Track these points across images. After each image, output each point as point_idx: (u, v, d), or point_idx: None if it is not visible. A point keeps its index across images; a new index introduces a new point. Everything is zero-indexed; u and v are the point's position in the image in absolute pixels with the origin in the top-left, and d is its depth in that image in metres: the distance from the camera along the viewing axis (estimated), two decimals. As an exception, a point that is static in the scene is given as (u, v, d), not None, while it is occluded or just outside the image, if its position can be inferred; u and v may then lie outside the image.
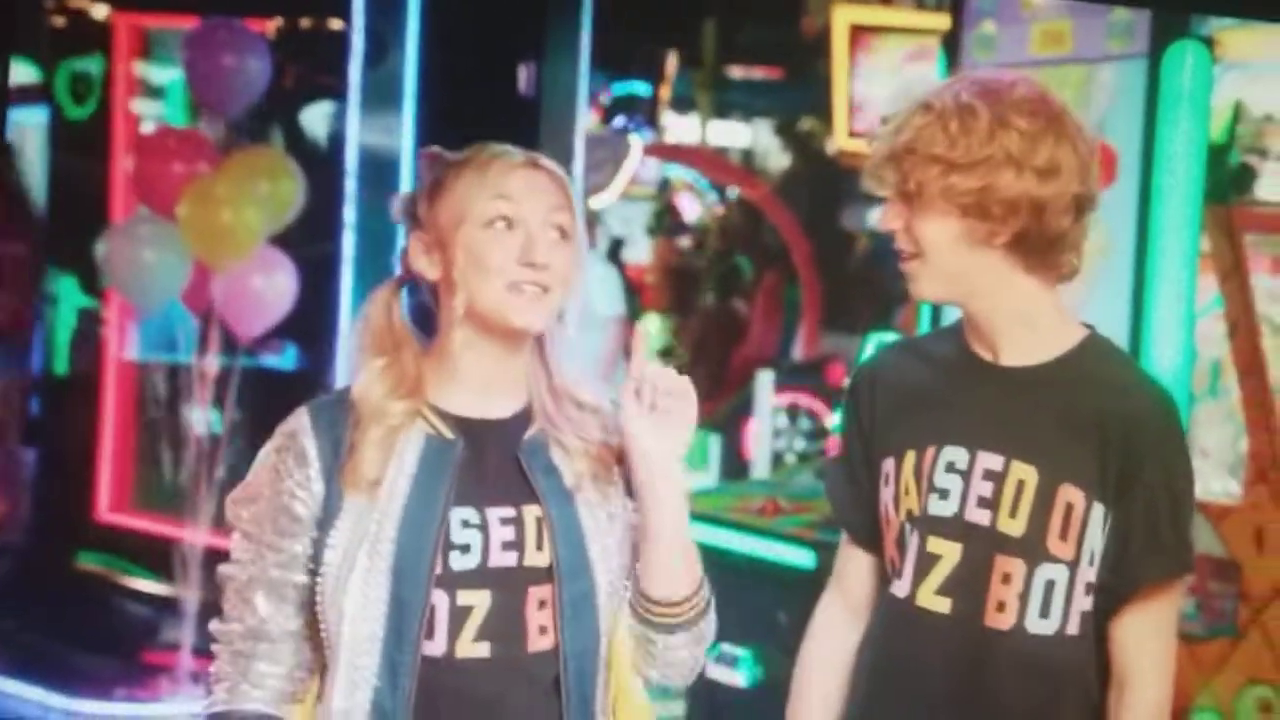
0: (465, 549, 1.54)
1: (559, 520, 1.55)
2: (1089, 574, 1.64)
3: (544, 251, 1.56)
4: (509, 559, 1.55)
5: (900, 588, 1.69)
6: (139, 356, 4.89)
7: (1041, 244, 1.62)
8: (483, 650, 1.54)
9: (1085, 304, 3.13)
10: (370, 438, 1.55)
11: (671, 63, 5.04)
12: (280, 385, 4.55)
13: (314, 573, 1.55)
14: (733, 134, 5.12)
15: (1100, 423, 1.62)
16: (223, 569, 1.60)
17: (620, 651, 1.59)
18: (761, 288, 4.62)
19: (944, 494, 1.66)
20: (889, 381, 1.75)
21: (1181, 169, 2.99)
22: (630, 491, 1.60)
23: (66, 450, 4.99)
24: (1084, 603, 1.65)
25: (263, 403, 4.29)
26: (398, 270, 1.64)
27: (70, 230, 4.90)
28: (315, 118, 4.90)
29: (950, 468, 1.66)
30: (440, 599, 1.53)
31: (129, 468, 4.96)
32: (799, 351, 4.52)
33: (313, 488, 1.55)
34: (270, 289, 4.21)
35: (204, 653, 4.17)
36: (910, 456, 1.68)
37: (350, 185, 4.36)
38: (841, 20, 4.12)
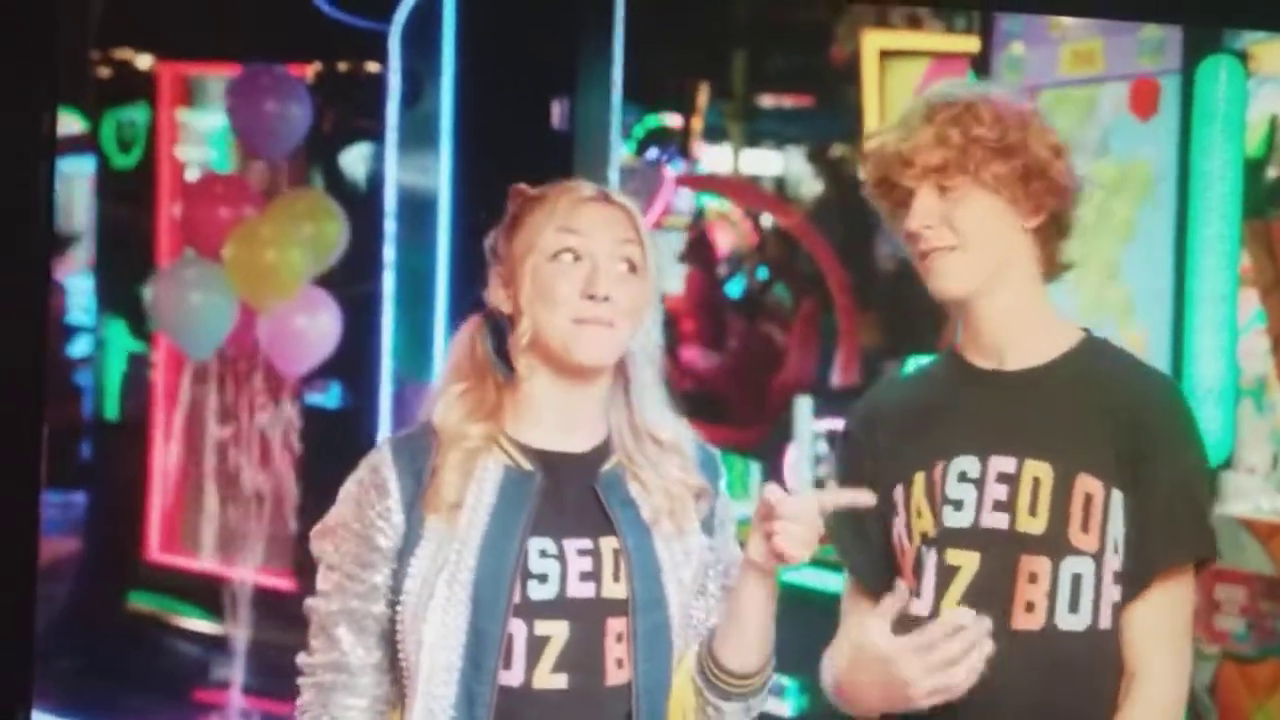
0: (543, 579, 1.55)
1: (636, 552, 1.56)
2: (1115, 563, 1.63)
3: (608, 284, 1.57)
4: (587, 590, 1.56)
5: (920, 607, 1.66)
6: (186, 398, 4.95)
7: (1063, 229, 1.66)
8: (560, 681, 1.54)
9: (1128, 320, 3.11)
10: (450, 461, 1.57)
11: (703, 94, 5.06)
12: (327, 423, 4.61)
13: (394, 603, 1.56)
14: (765, 162, 5.12)
15: (1110, 412, 1.63)
16: (308, 602, 1.62)
17: (683, 690, 1.59)
18: (799, 315, 4.61)
19: (959, 505, 1.65)
20: (886, 415, 1.74)
21: (1218, 185, 2.95)
22: (707, 529, 1.61)
23: (118, 492, 5.06)
24: (1114, 594, 1.63)
25: (311, 440, 4.40)
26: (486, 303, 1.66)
27: (118, 276, 5.01)
28: (354, 159, 4.96)
29: (963, 477, 1.65)
30: (518, 629, 1.54)
31: (179, 508, 5.02)
32: (837, 378, 4.50)
33: (393, 519, 1.57)
34: (314, 328, 4.29)
35: (253, 691, 4.18)
36: (919, 478, 1.68)
37: (390, 225, 4.45)
38: (871, 46, 4.12)
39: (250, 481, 4.46)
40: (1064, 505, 1.62)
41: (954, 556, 1.64)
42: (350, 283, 4.35)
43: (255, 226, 4.24)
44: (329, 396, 4.76)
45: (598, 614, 1.55)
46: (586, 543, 1.56)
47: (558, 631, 1.54)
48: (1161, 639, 1.63)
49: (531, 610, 1.54)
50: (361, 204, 4.42)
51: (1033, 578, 1.62)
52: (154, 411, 5.04)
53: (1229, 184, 2.94)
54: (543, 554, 1.55)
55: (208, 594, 4.30)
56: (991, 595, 1.63)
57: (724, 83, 5.01)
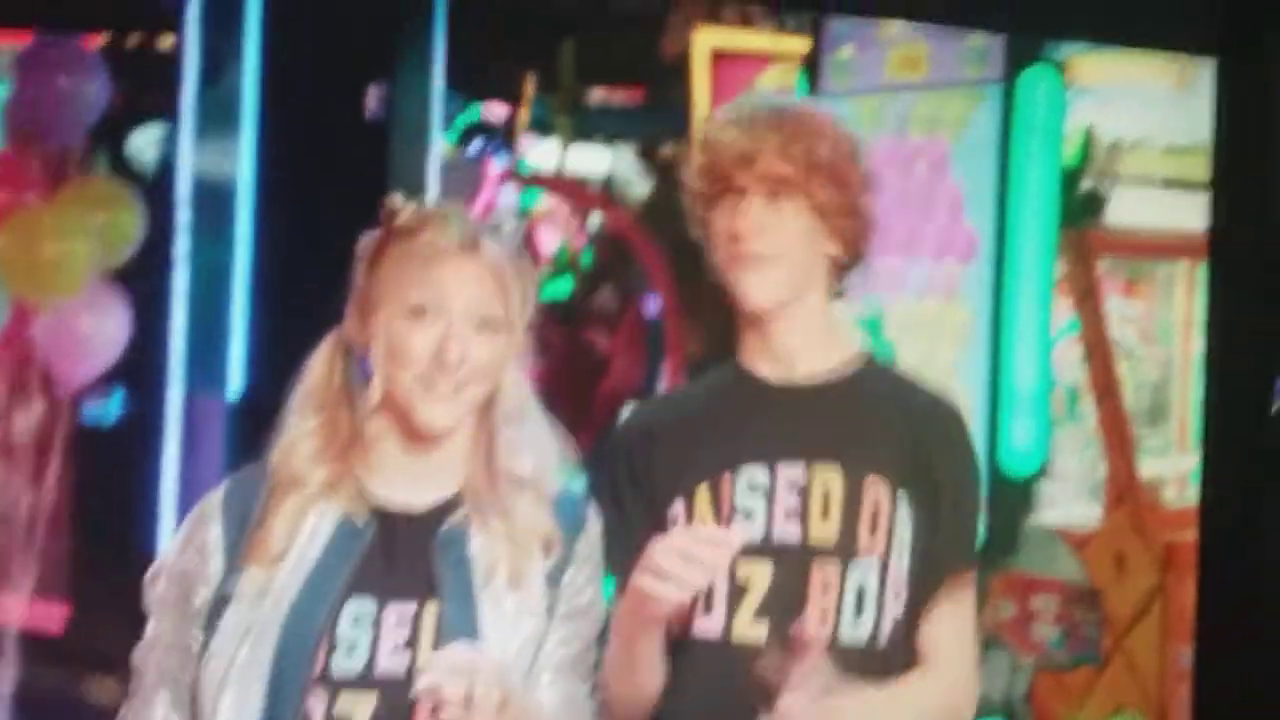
0: (351, 649, 1.55)
1: (453, 624, 1.56)
2: (899, 569, 1.77)
3: (460, 349, 1.59)
4: (399, 663, 1.55)
5: (710, 628, 1.76)
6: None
7: (860, 253, 1.85)
8: None
9: (947, 329, 3.45)
10: (282, 509, 1.59)
11: (529, 85, 5.26)
12: (106, 438, 4.63)
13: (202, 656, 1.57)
14: (593, 160, 5.36)
15: (892, 424, 1.80)
16: (134, 654, 1.64)
17: None
18: (625, 319, 4.86)
19: (749, 515, 1.75)
20: (661, 429, 1.83)
21: (1036, 194, 3.33)
22: (552, 581, 1.64)
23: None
24: (895, 608, 1.77)
25: (89, 457, 4.38)
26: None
27: None
28: (144, 142, 4.99)
29: (752, 487, 1.76)
30: (317, 704, 1.54)
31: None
32: (665, 384, 4.75)
33: (209, 569, 1.59)
34: (100, 331, 4.21)
35: None
36: (703, 489, 1.77)
37: (183, 215, 4.32)
38: (702, 44, 4.42)
39: (20, 502, 4.46)
40: (854, 509, 1.75)
41: (744, 570, 1.73)
42: (136, 279, 4.30)
43: (35, 215, 4.14)
44: (109, 407, 4.77)
45: (407, 689, 1.51)
46: (410, 608, 1.55)
47: (361, 709, 1.52)
48: (949, 628, 1.80)
49: (336, 683, 1.54)
50: (152, 191, 4.39)
51: (825, 587, 1.74)
52: None
53: (1046, 193, 3.32)
54: (355, 620, 1.54)
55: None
56: (785, 607, 1.72)
57: (551, 74, 5.23)
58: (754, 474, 1.77)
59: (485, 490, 1.62)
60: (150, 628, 1.62)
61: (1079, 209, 3.45)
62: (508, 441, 1.64)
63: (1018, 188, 3.21)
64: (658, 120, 5.12)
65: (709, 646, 1.75)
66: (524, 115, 5.29)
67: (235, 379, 4.18)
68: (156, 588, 1.62)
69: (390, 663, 1.54)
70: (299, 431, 1.61)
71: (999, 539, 3.22)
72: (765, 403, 1.81)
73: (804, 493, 1.76)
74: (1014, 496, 3.12)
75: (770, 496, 1.76)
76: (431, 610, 1.56)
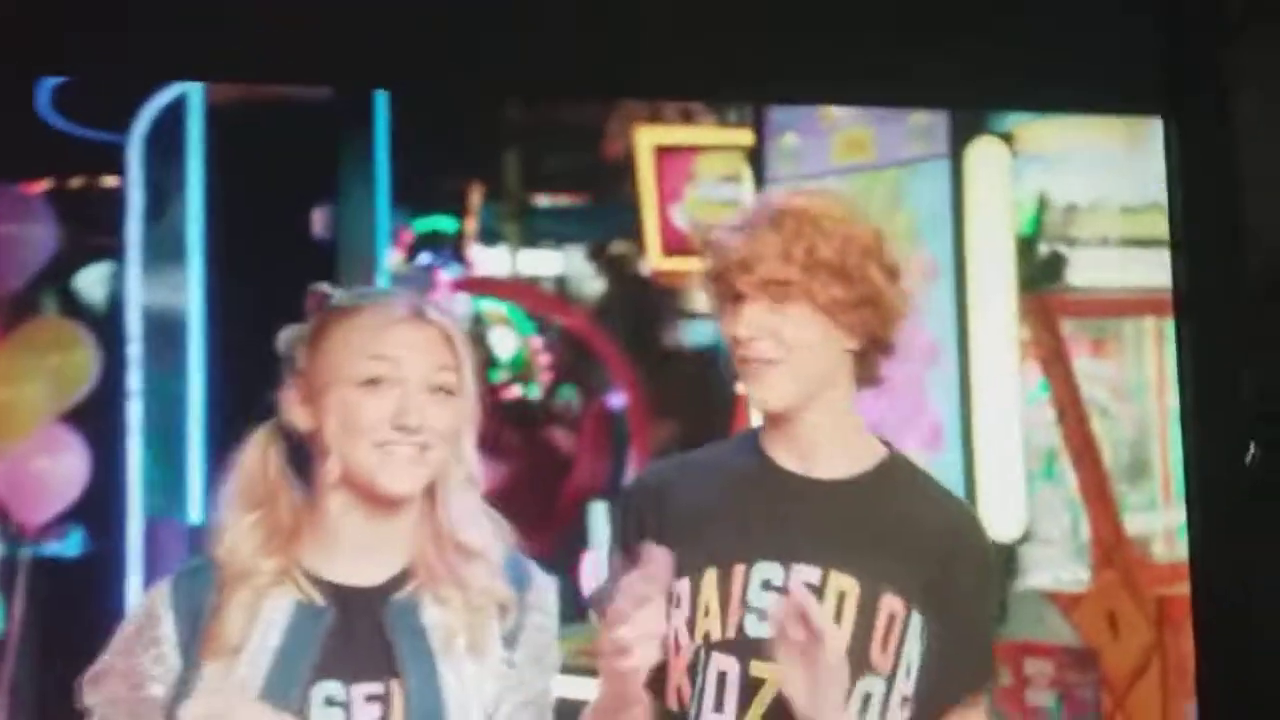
0: None
1: (417, 694, 1.56)
2: (905, 687, 1.71)
3: (419, 414, 1.58)
4: None
5: None
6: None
7: (885, 349, 1.76)
8: None
9: (919, 399, 3.39)
10: (235, 601, 1.56)
11: (476, 195, 5.21)
12: (67, 574, 4.34)
13: None
14: (543, 263, 5.30)
15: (911, 535, 1.73)
16: None
17: None
18: (588, 417, 4.76)
19: (762, 614, 1.68)
20: (679, 497, 1.77)
21: (993, 263, 3.27)
22: (509, 643, 1.63)
23: None
24: (899, 717, 1.71)
25: (51, 595, 4.17)
26: (276, 412, 1.66)
27: None
28: (91, 281, 4.87)
29: (766, 585, 1.69)
30: None
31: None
32: (631, 479, 4.62)
33: (167, 663, 1.57)
34: (57, 471, 4.13)
35: None
36: (711, 575, 1.71)
37: (134, 349, 4.34)
38: (645, 142, 4.38)
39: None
40: (868, 622, 1.69)
41: (759, 669, 1.68)
42: (91, 415, 4.22)
43: None
44: (69, 544, 4.63)
45: None
46: (376, 687, 1.56)
47: None
48: None
49: None
50: (102, 329, 4.30)
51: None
52: None
53: (1003, 261, 3.26)
54: (329, 702, 1.55)
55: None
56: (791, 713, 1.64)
57: (496, 183, 5.19)
58: (769, 571, 1.71)
59: (436, 562, 1.61)
60: None
61: (1038, 274, 3.39)
62: (456, 512, 1.63)
63: (973, 261, 3.13)
64: (606, 220, 5.06)
65: None
66: (471, 225, 5.20)
67: (196, 504, 4.14)
68: (103, 688, 1.58)
69: None
70: (241, 526, 1.59)
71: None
72: (784, 495, 1.75)
73: (819, 597, 1.70)
74: (999, 561, 3.01)
75: (785, 595, 1.69)
76: (397, 689, 1.56)
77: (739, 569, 1.71)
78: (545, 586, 1.70)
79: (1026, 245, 3.43)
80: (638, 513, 1.78)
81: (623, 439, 4.62)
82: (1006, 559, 3.20)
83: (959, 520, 1.78)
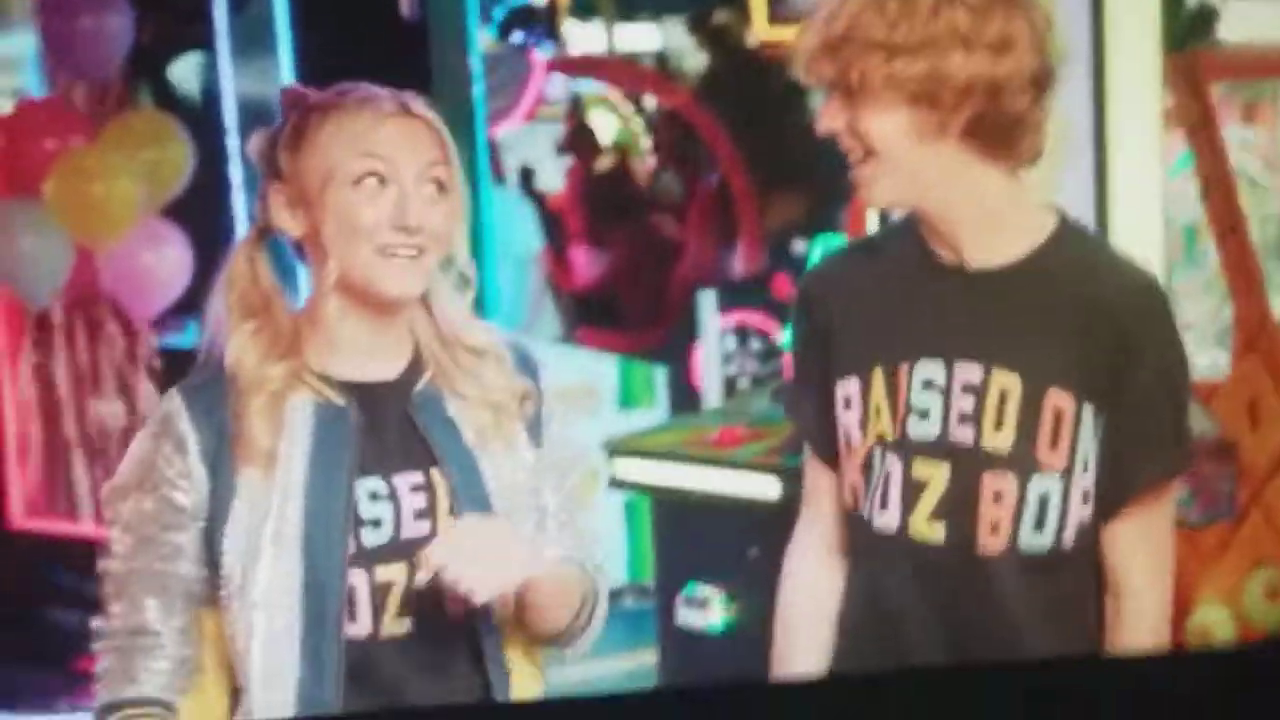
0: (376, 524, 1.51)
1: (462, 485, 1.52)
2: (1085, 481, 1.57)
3: (418, 212, 1.49)
4: (422, 528, 1.51)
5: (887, 520, 1.61)
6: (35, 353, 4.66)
7: (1000, 129, 1.53)
8: (405, 626, 1.51)
9: (1047, 178, 2.96)
10: (254, 408, 1.50)
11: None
12: (187, 363, 4.43)
13: (212, 565, 1.51)
14: (641, 37, 4.86)
15: (1084, 319, 1.55)
16: (102, 564, 1.55)
17: (538, 594, 1.53)
18: (693, 203, 4.39)
19: (924, 414, 1.58)
20: (843, 292, 1.65)
21: (1133, 14, 2.78)
22: (534, 435, 1.58)
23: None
24: (1082, 513, 1.58)
25: (172, 382, 4.19)
26: (258, 219, 1.56)
27: None
28: (184, 72, 4.62)
29: (928, 384, 1.58)
30: (359, 578, 1.50)
31: (40, 471, 4.75)
32: (740, 267, 4.32)
33: (193, 475, 1.51)
34: (162, 264, 4.01)
35: None
36: (879, 375, 1.60)
37: (232, 142, 4.16)
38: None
39: (113, 431, 4.22)
40: (1033, 421, 1.55)
41: (922, 469, 1.58)
42: (191, 209, 4.07)
43: (79, 157, 3.92)
44: (186, 336, 4.50)
45: None
46: (418, 477, 1.52)
47: (398, 576, 1.50)
48: (1141, 555, 1.59)
49: (369, 557, 1.50)
50: (198, 121, 4.11)
51: (997, 497, 1.56)
52: None
53: (1145, 13, 2.78)
54: (374, 496, 1.51)
55: (81, 557, 4.10)
56: (961, 512, 1.58)
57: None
58: (930, 370, 1.58)
59: (446, 360, 1.55)
60: (118, 539, 1.53)
61: (1186, 29, 2.88)
62: (455, 313, 1.56)
63: (1112, 10, 2.64)
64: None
65: (886, 540, 1.61)
66: (565, -1, 4.76)
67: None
68: (125, 501, 1.52)
69: (414, 530, 1.51)
70: (242, 335, 1.52)
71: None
72: (942, 287, 1.59)
73: (980, 396, 1.57)
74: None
75: (946, 396, 1.58)
76: (439, 477, 1.53)
77: (903, 367, 1.59)
78: (541, 367, 1.64)
79: (1174, -2, 2.92)
80: (807, 314, 1.68)
81: (730, 225, 4.25)
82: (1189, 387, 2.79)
83: (1138, 294, 1.58)
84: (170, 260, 4.01)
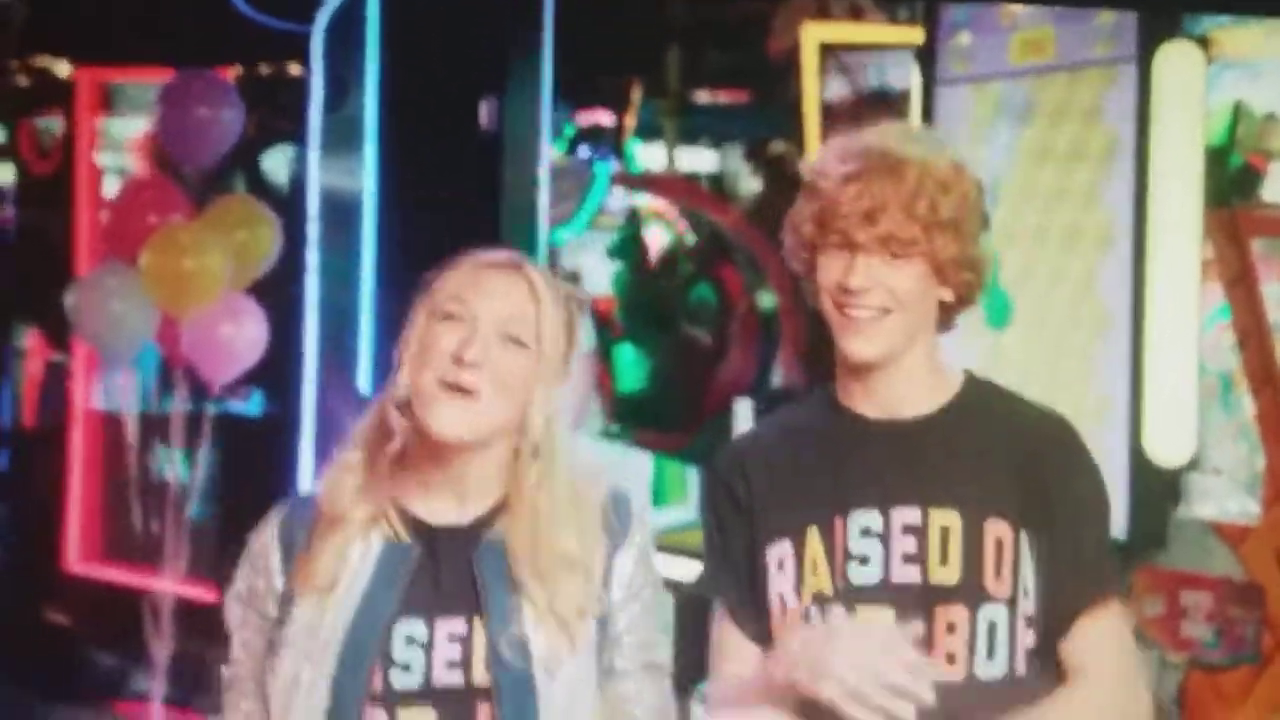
0: (407, 667, 1.40)
1: (501, 634, 1.40)
2: (1027, 607, 1.51)
3: (481, 351, 1.40)
4: (455, 678, 1.40)
5: None
6: (105, 406, 4.48)
7: (973, 297, 1.55)
8: None
9: (1086, 315, 2.75)
10: (327, 544, 1.43)
11: (636, 91, 4.63)
12: (247, 431, 4.22)
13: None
14: (701, 160, 4.69)
15: (1009, 454, 1.52)
16: (224, 672, 1.49)
17: None
18: (738, 314, 4.18)
19: (864, 560, 1.50)
20: (762, 464, 1.58)
21: (1179, 175, 2.56)
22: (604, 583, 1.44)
23: (34, 503, 4.57)
24: (1027, 638, 1.51)
25: (231, 449, 3.98)
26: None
27: (36, 284, 4.52)
28: (276, 163, 4.50)
29: (865, 532, 1.51)
30: (381, 717, 1.39)
31: (97, 518, 4.54)
32: (780, 379, 4.09)
33: (275, 590, 1.45)
34: (240, 337, 3.92)
35: (173, 703, 3.82)
36: (813, 534, 1.52)
37: (313, 229, 4.02)
38: (811, 39, 3.72)
39: (172, 490, 4.01)
40: (976, 552, 1.49)
41: (866, 614, 1.49)
42: (272, 288, 3.95)
43: (176, 232, 3.85)
44: (251, 404, 4.31)
45: (467, 702, 1.39)
46: (460, 625, 1.41)
47: None
48: (1097, 648, 1.50)
49: (394, 699, 1.40)
50: (284, 208, 4.02)
51: (950, 628, 1.49)
52: (71, 419, 4.59)
53: (1190, 174, 2.56)
54: (409, 640, 1.40)
55: (127, 605, 3.85)
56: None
57: (658, 79, 4.58)
58: (866, 519, 1.51)
59: (528, 558, 1.41)
60: (234, 649, 1.49)
61: (1228, 187, 2.66)
62: (553, 510, 1.41)
63: (1158, 169, 2.42)
64: (765, 119, 4.42)
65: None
66: (631, 120, 4.60)
67: (364, 377, 3.84)
68: (234, 611, 1.49)
69: (445, 678, 1.40)
70: (343, 463, 1.45)
71: (1145, 532, 2.46)
72: (870, 442, 1.54)
73: (921, 536, 1.50)
74: (1161, 488, 2.35)
75: (886, 541, 1.50)
76: (480, 628, 1.41)
77: (838, 521, 1.52)
78: (644, 519, 1.51)
79: (1217, 157, 2.69)
80: (727, 488, 1.57)
81: (772, 339, 4.02)
82: (1171, 485, 2.53)
83: (1055, 428, 1.56)
84: (247, 333, 3.94)
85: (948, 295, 1.52)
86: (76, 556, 4.53)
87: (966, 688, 1.46)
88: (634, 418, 4.26)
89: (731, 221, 4.13)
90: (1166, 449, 2.56)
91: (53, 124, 4.90)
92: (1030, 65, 2.78)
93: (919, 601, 1.47)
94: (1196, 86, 2.59)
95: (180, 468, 3.95)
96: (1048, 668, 1.50)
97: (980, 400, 1.56)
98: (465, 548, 1.42)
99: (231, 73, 4.36)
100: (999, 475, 1.50)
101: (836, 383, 1.55)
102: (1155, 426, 2.56)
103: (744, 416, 3.62)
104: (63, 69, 4.90)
